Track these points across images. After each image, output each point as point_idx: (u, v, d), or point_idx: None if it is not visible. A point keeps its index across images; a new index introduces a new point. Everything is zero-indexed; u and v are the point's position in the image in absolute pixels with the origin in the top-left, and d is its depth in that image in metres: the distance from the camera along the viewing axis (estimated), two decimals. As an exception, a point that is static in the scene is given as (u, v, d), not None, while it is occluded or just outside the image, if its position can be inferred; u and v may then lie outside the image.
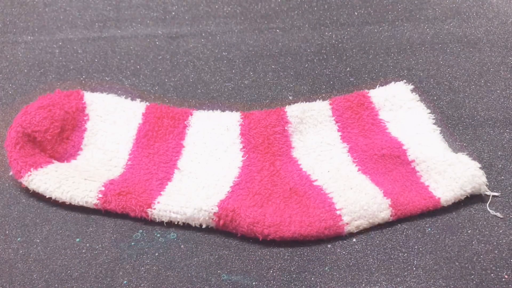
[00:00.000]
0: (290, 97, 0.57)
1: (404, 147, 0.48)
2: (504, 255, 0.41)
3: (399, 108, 0.52)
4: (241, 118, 0.52)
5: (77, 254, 0.43)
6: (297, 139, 0.51)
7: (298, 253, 0.43)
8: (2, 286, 0.40)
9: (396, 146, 0.48)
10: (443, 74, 0.59)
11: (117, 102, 0.54)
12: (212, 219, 0.43)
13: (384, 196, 0.44)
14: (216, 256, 0.43)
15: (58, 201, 0.46)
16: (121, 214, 0.45)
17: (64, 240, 0.44)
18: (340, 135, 0.51)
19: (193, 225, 0.44)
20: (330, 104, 0.53)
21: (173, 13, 0.71)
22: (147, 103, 0.54)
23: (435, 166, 0.46)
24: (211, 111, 0.54)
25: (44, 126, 0.48)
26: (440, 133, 0.50)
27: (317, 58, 0.63)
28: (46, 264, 0.42)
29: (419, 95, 0.53)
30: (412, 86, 0.54)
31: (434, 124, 0.51)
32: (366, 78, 0.59)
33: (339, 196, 0.45)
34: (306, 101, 0.54)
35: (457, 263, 0.41)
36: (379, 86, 0.54)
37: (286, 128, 0.51)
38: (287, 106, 0.53)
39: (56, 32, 0.68)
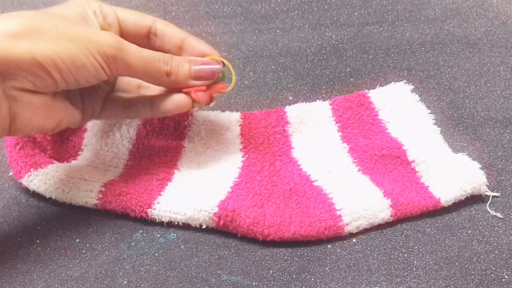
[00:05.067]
0: (290, 97, 0.57)
1: (404, 148, 0.48)
2: (504, 255, 0.41)
3: (399, 108, 0.52)
4: (241, 118, 0.52)
5: (77, 254, 0.43)
6: (297, 139, 0.51)
7: (298, 253, 0.43)
8: (2, 286, 0.40)
9: (396, 146, 0.48)
10: (443, 74, 0.59)
11: (117, 102, 0.54)
12: (212, 219, 0.43)
13: (384, 196, 0.44)
14: (216, 256, 0.43)
15: (58, 201, 0.46)
16: (121, 214, 0.45)
17: (64, 240, 0.44)
18: (340, 136, 0.51)
19: (193, 225, 0.44)
20: (330, 104, 0.53)
21: (173, 13, 0.71)
22: (147, 103, 0.54)
23: (435, 167, 0.46)
24: (211, 111, 0.54)
25: (44, 126, 0.48)
26: (440, 133, 0.50)
27: (317, 58, 0.63)
28: (46, 264, 0.42)
29: (419, 96, 0.53)
30: (412, 86, 0.54)
31: (434, 124, 0.51)
32: (366, 78, 0.59)
33: (339, 197, 0.45)
34: (306, 101, 0.54)
35: (457, 264, 0.41)
36: (379, 87, 0.54)
37: (286, 128, 0.51)
38: (287, 106, 0.53)
39: (56, 32, 0.68)
